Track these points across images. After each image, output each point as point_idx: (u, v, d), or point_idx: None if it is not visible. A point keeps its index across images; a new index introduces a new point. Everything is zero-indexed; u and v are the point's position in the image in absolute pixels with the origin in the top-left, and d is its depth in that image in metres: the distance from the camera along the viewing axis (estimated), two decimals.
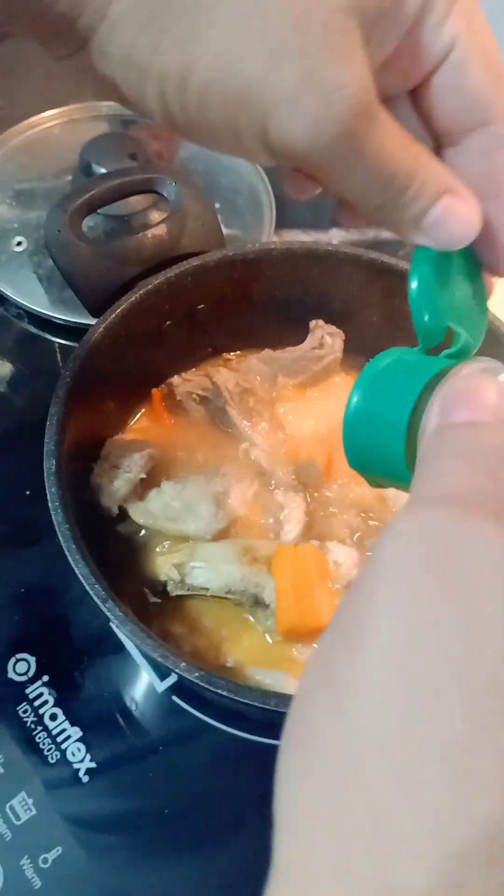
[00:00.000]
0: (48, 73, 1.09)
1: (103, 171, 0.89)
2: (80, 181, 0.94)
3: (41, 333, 0.89)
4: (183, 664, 0.46)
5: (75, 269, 0.61)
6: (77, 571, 0.49)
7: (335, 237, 0.96)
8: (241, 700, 0.45)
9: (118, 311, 0.60)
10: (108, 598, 0.48)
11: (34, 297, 0.88)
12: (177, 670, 0.46)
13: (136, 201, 0.92)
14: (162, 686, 0.64)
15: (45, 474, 0.52)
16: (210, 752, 0.62)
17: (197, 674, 0.46)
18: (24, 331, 0.89)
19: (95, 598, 0.49)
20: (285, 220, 0.98)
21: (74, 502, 0.54)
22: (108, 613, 0.48)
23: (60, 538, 0.50)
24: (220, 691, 0.45)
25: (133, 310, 0.61)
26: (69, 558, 0.50)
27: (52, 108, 1.04)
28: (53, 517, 0.51)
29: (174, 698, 0.64)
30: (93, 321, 0.87)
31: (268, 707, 0.45)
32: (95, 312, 0.62)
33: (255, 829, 0.60)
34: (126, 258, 0.62)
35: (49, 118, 1.03)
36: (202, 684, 0.45)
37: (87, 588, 0.49)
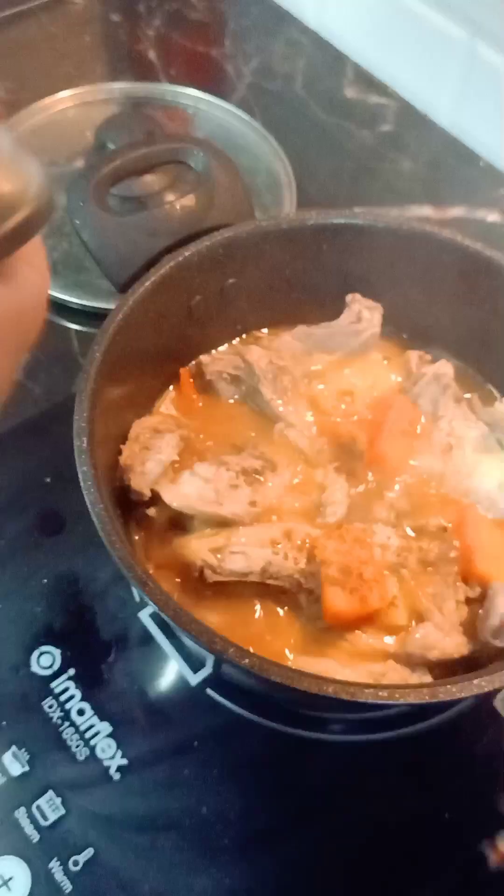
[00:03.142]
0: (58, 54, 1.07)
1: None
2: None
3: (56, 319, 0.86)
4: (232, 649, 0.43)
5: (101, 241, 0.58)
6: (113, 554, 0.46)
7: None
8: (296, 688, 0.42)
9: (147, 283, 0.57)
10: (148, 582, 0.45)
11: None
12: (226, 656, 0.43)
13: (153, 181, 0.90)
14: (195, 679, 0.61)
15: (76, 452, 0.49)
16: (248, 747, 0.59)
17: (247, 660, 0.43)
18: None
19: (133, 584, 0.45)
20: (307, 199, 0.95)
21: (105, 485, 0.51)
22: (148, 599, 0.45)
23: (94, 519, 0.47)
24: (272, 678, 0.42)
25: (162, 283, 0.58)
26: (104, 540, 0.46)
27: (63, 90, 1.01)
28: (86, 497, 0.48)
29: (209, 691, 0.61)
30: (111, 304, 0.85)
31: (326, 694, 0.42)
32: (122, 288, 0.59)
33: (299, 825, 0.57)
34: (155, 230, 0.59)
35: (60, 100, 1.00)
36: (256, 672, 0.42)
37: (124, 572, 0.46)
